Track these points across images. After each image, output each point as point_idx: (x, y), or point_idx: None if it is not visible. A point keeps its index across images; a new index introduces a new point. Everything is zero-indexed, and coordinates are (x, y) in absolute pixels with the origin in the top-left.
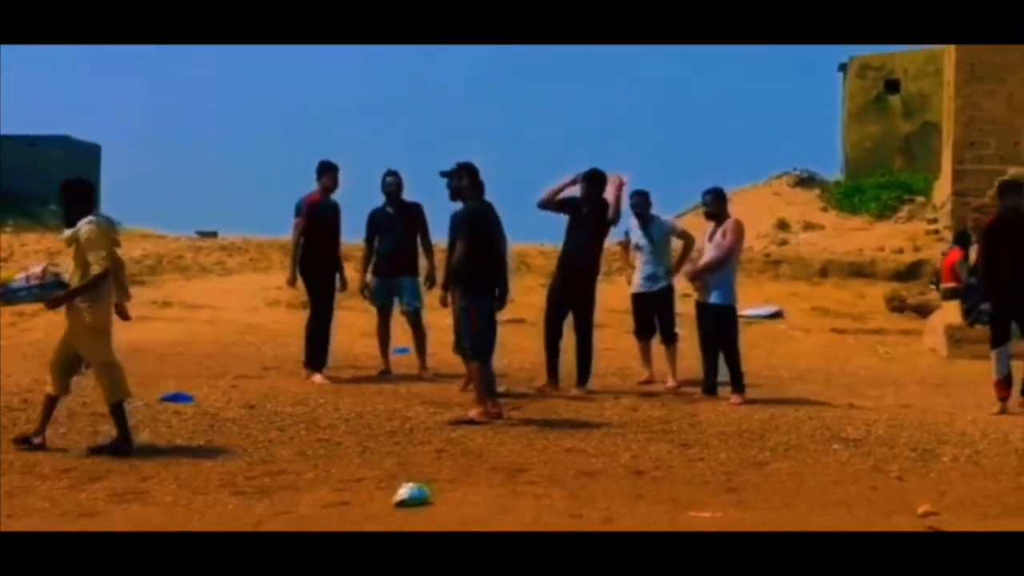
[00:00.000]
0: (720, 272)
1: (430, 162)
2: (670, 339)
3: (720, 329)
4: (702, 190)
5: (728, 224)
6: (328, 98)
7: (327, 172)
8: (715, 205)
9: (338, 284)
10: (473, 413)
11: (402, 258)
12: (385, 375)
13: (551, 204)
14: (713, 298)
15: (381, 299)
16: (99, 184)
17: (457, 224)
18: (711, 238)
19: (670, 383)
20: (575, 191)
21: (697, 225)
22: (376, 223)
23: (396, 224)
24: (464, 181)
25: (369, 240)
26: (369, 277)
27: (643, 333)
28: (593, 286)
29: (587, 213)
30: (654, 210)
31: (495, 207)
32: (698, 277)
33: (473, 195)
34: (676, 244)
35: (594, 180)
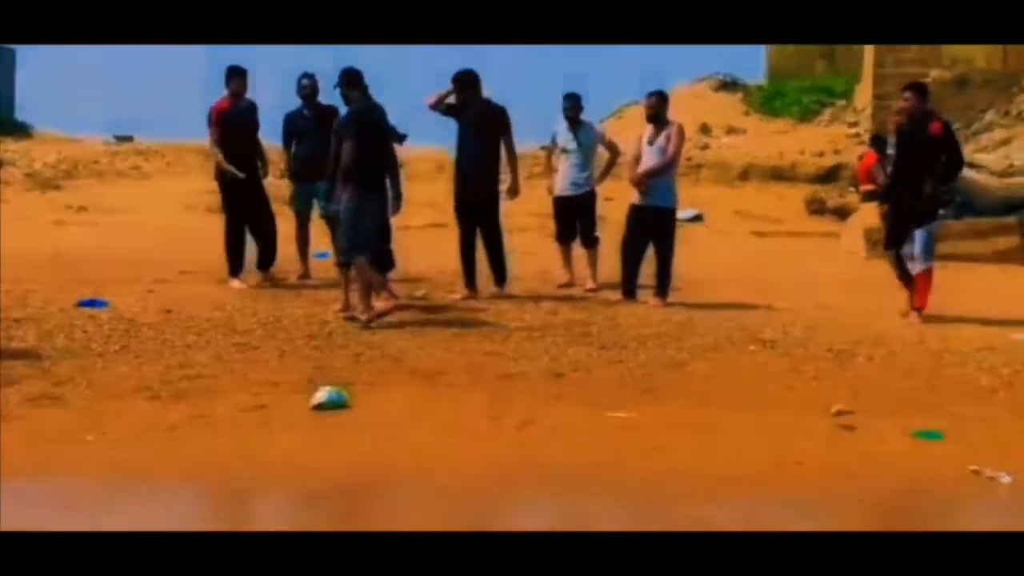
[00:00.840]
0: (664, 176)
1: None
2: (592, 242)
3: (663, 231)
4: (636, 92)
5: (673, 129)
6: None
7: (235, 77)
8: (660, 107)
9: (261, 172)
10: (379, 306)
11: (320, 162)
12: (304, 279)
13: (438, 107)
14: (657, 200)
15: (300, 204)
16: (13, 88)
17: (342, 126)
18: (651, 141)
19: (590, 285)
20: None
21: (617, 131)
22: (293, 126)
23: (313, 127)
24: (345, 86)
25: (287, 144)
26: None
27: (565, 237)
28: (492, 192)
29: (472, 115)
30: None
31: (383, 109)
32: (642, 181)
33: (359, 98)
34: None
35: (464, 82)
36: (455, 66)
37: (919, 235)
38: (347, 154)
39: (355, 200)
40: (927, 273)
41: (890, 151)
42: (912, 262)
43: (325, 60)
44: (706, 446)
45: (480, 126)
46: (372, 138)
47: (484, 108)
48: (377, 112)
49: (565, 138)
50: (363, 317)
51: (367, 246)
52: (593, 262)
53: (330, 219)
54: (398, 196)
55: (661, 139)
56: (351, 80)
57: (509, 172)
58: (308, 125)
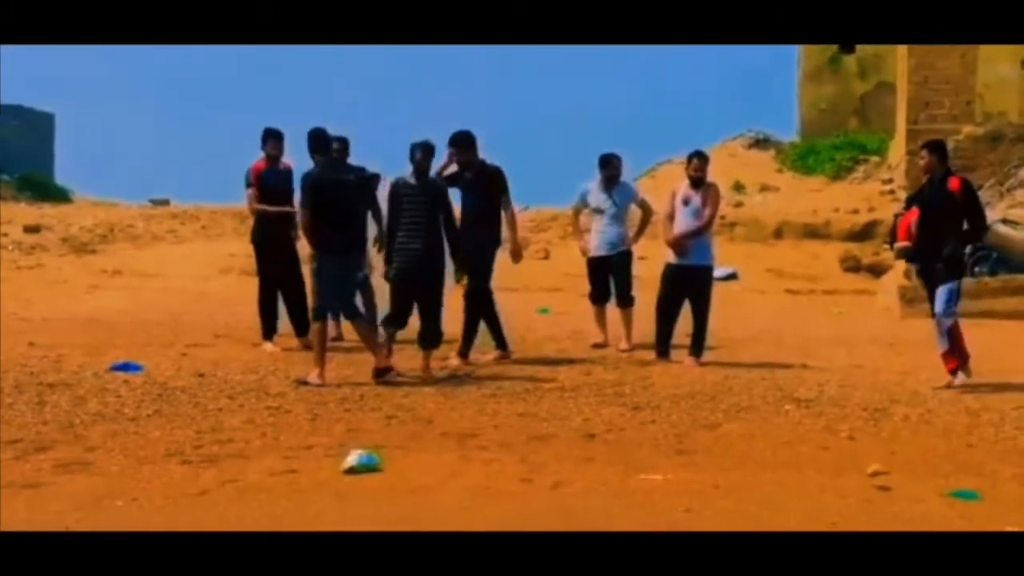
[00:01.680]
0: (701, 235)
1: (393, 126)
2: (627, 302)
3: (699, 290)
4: (668, 151)
5: (711, 189)
6: (276, 60)
7: (270, 139)
8: (704, 169)
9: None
10: (311, 376)
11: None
12: (337, 341)
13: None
14: (694, 259)
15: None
16: (53, 153)
17: (300, 191)
18: (687, 201)
19: (623, 345)
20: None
21: (649, 189)
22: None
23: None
24: (310, 149)
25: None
26: None
27: (599, 297)
28: (484, 252)
29: (471, 178)
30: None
31: (344, 167)
32: (681, 242)
33: (319, 161)
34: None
35: (458, 143)
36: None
37: (938, 293)
38: (303, 217)
39: (316, 261)
40: (952, 330)
41: None
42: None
43: (352, 125)
44: (739, 508)
45: (478, 188)
46: (323, 200)
47: (482, 169)
48: (331, 170)
49: (599, 198)
50: (314, 380)
51: (326, 308)
52: (628, 322)
53: (360, 282)
54: (359, 254)
55: (697, 199)
56: (312, 143)
57: (509, 234)
58: None
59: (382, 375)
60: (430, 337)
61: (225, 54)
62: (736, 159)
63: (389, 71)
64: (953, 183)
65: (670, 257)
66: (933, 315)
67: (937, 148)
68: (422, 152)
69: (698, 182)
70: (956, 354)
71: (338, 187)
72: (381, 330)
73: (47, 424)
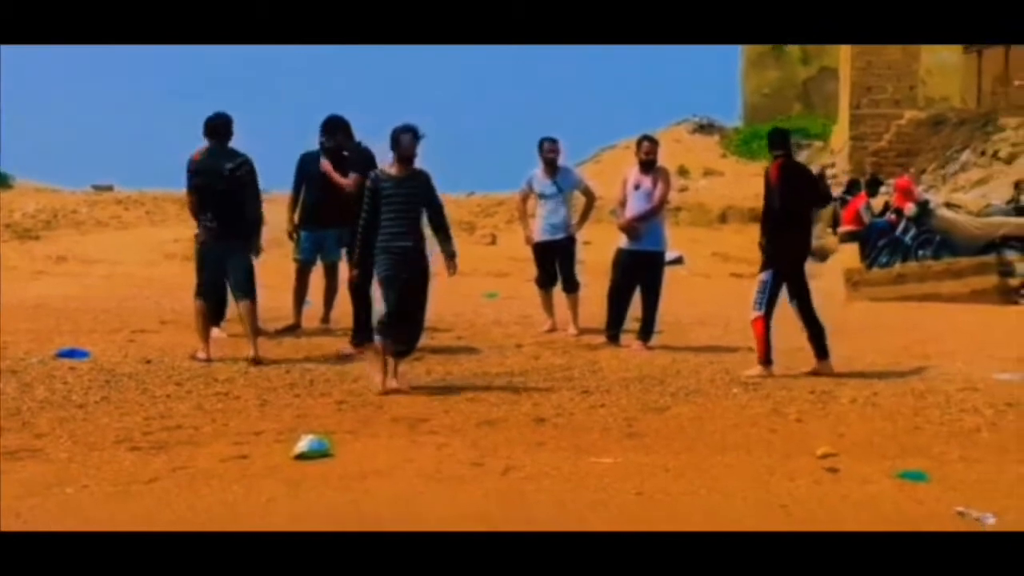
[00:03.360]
0: (653, 220)
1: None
2: (572, 287)
3: (651, 274)
4: (612, 136)
5: (661, 173)
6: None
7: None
8: (655, 153)
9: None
10: (199, 352)
11: (327, 209)
12: (293, 330)
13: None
14: (646, 245)
15: (307, 252)
16: None
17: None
18: (638, 185)
19: (571, 331)
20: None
21: (594, 174)
22: (306, 168)
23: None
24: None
25: (296, 187)
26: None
27: (545, 282)
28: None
29: (351, 161)
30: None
31: (228, 153)
32: (633, 226)
33: (210, 144)
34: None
35: (328, 128)
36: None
37: None
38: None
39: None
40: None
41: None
42: None
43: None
44: (690, 490)
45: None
46: (202, 183)
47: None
48: (214, 156)
49: (543, 183)
50: (200, 356)
51: (205, 291)
52: (574, 307)
53: (329, 267)
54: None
55: (648, 182)
56: (205, 128)
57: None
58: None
59: (259, 363)
60: (411, 344)
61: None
62: (681, 144)
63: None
64: None
65: (622, 242)
66: None
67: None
68: (411, 138)
69: (648, 166)
70: None
71: (213, 170)
72: (377, 339)
73: None
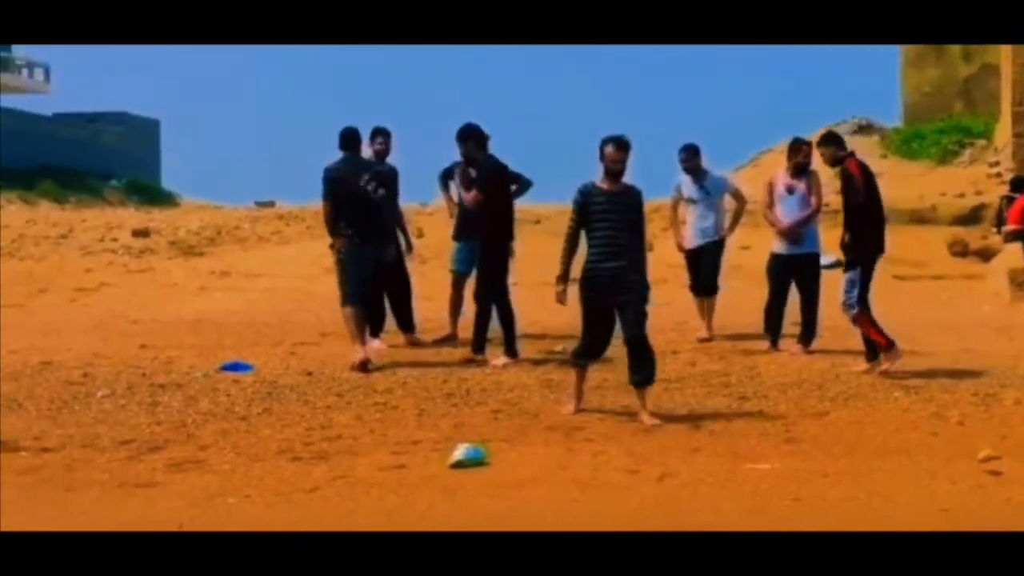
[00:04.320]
0: (811, 223)
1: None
2: (709, 291)
3: (810, 277)
4: (768, 140)
5: (815, 177)
6: (380, 59)
7: (378, 136)
8: (810, 157)
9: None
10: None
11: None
12: (450, 340)
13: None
14: (803, 248)
15: (462, 264)
16: (159, 158)
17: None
18: (791, 189)
19: (702, 334)
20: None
21: (751, 178)
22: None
23: (478, 184)
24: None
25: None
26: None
27: (700, 288)
28: (492, 248)
29: (476, 175)
30: (705, 165)
31: (362, 163)
32: (796, 231)
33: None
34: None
35: (462, 137)
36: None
37: None
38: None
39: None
40: None
41: None
42: None
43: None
44: (849, 496)
45: (479, 181)
46: (338, 193)
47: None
48: (348, 166)
49: (691, 189)
50: (358, 358)
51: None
52: (710, 310)
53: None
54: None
55: (802, 187)
56: (340, 140)
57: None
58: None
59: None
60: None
61: (329, 54)
62: None
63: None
64: None
65: (776, 247)
66: None
67: None
68: (618, 148)
69: (802, 169)
70: None
71: (352, 183)
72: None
73: (160, 424)
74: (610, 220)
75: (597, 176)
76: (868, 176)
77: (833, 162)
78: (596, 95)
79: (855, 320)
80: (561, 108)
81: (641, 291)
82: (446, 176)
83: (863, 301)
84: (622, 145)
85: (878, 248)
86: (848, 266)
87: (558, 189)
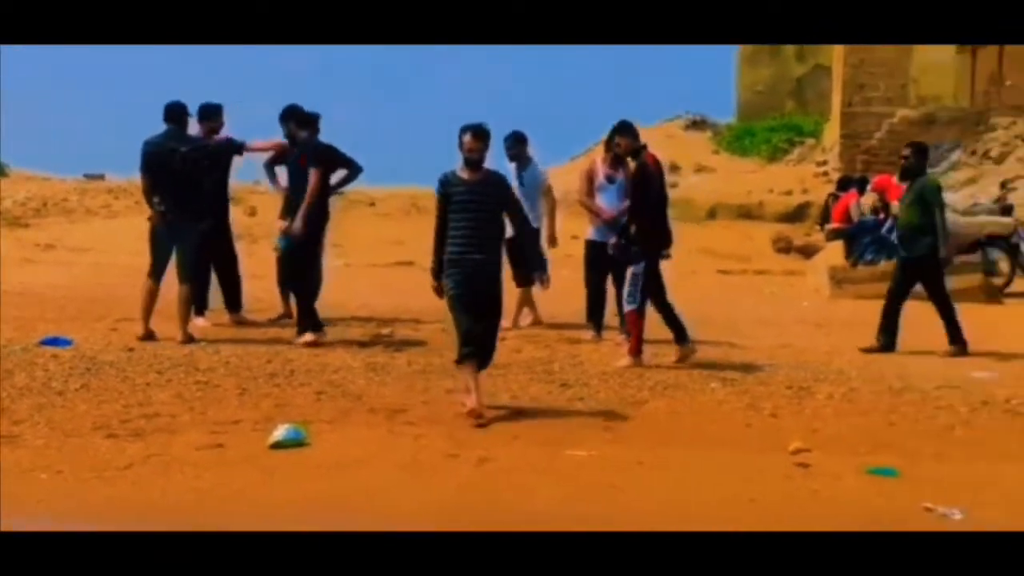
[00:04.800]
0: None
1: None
2: (525, 281)
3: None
4: (603, 133)
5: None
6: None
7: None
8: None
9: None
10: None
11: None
12: (285, 319)
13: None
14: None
15: (288, 242)
16: None
17: None
18: (612, 179)
19: (506, 323)
20: None
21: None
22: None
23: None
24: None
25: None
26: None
27: (518, 277)
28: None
29: (299, 155)
30: (531, 154)
31: (183, 137)
32: (618, 220)
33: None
34: None
35: (283, 117)
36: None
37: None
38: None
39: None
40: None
41: None
42: None
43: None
44: (662, 484)
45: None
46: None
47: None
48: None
49: (511, 177)
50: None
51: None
52: (527, 302)
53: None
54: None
55: (621, 176)
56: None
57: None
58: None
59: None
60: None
61: None
62: (673, 140)
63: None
64: None
65: (592, 234)
66: None
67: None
68: (475, 137)
69: (622, 159)
70: None
71: (169, 156)
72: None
73: None
74: (471, 210)
75: (457, 165)
76: (660, 171)
77: (629, 153)
78: (436, 83)
79: (627, 316)
80: (403, 93)
81: (497, 280)
82: (273, 160)
83: (644, 296)
84: (479, 134)
85: (665, 242)
86: (634, 259)
87: (396, 173)
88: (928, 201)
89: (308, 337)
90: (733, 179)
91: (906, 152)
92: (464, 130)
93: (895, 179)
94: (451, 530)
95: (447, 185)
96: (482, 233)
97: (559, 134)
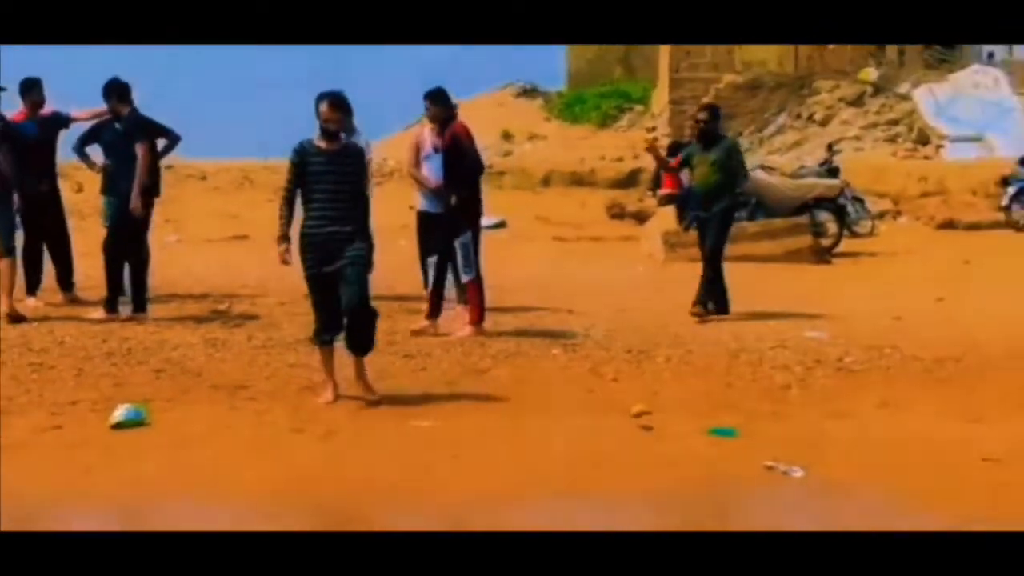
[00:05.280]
0: None
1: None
2: None
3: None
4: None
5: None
6: None
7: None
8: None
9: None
10: None
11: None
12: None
13: None
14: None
15: (112, 219)
16: None
17: None
18: (438, 148)
19: None
20: None
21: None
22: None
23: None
24: None
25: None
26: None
27: None
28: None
29: (123, 130)
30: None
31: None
32: (440, 190)
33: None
34: None
35: (106, 94)
36: None
37: None
38: None
39: None
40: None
41: None
42: None
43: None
44: (507, 452)
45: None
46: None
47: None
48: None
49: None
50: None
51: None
52: None
53: None
54: None
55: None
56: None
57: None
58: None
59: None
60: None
61: None
62: (505, 108)
63: None
64: None
65: (422, 204)
66: None
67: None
68: (331, 107)
69: (443, 120)
70: None
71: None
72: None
73: None
74: (328, 181)
75: (315, 134)
76: (472, 139)
77: (440, 120)
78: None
79: (468, 285)
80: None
81: (363, 255)
82: (85, 140)
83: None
84: (336, 103)
85: (480, 211)
86: (461, 230)
87: (222, 144)
88: (734, 162)
89: (99, 313)
90: (566, 146)
91: (702, 116)
92: (321, 98)
93: None
94: (298, 506)
95: (303, 154)
96: (340, 204)
97: (391, 104)
